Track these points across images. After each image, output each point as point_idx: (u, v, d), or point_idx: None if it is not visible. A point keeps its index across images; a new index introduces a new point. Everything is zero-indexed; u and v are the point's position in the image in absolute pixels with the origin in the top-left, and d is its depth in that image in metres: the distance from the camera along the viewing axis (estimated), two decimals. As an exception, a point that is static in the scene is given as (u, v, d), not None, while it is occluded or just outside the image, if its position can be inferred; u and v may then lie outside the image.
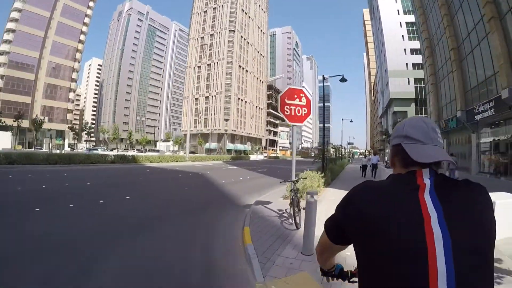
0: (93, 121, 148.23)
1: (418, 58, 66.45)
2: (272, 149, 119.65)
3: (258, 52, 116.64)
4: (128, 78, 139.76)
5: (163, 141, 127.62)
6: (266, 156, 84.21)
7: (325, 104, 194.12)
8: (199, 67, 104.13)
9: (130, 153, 44.09)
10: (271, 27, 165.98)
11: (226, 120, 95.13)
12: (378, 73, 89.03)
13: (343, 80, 18.81)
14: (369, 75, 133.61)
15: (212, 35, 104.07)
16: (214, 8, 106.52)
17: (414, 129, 1.04)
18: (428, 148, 0.97)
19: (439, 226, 0.89)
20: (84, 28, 77.58)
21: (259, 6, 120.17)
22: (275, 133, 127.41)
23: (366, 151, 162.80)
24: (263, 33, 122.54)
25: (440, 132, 1.01)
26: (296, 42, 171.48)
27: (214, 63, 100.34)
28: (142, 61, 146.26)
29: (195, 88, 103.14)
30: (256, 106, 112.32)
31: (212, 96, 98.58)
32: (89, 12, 79.13)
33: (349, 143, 74.42)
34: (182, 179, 17.05)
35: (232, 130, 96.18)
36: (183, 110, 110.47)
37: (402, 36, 69.29)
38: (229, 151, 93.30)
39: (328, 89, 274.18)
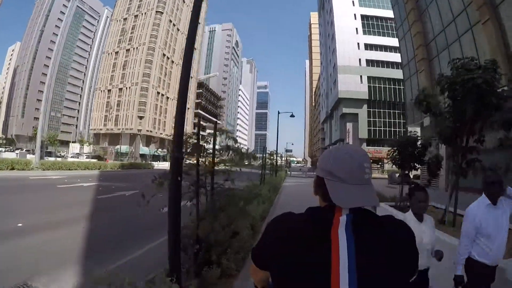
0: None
1: (374, 55, 51.65)
2: None
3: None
4: (45, 65, 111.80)
5: (80, 142, 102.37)
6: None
7: (263, 111, 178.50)
8: (116, 52, 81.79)
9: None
10: (211, 23, 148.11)
11: (141, 117, 73.69)
12: (323, 74, 73.73)
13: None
14: (310, 80, 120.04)
15: (136, 16, 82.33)
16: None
17: (338, 165, 0.92)
18: (351, 189, 0.88)
19: (348, 271, 0.81)
20: None
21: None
22: (203, 138, 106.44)
23: (303, 160, 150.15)
24: (199, 23, 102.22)
25: (370, 166, 0.92)
26: (237, 41, 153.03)
27: (134, 48, 78.30)
28: (64, 48, 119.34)
29: (109, 77, 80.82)
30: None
31: (126, 88, 76.33)
32: None
33: (287, 150, 56.57)
34: None
35: (148, 130, 74.84)
36: (94, 104, 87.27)
37: (356, 29, 55.64)
38: (142, 156, 72.22)
39: (267, 96, 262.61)
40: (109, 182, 18.42)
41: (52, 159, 36.44)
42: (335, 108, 59.86)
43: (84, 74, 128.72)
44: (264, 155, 18.74)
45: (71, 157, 54.33)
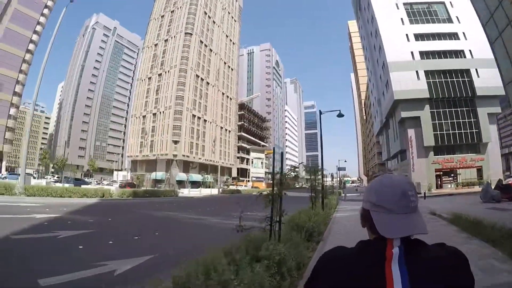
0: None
1: (427, 45, 42.76)
2: (246, 180, 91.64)
3: (225, 63, 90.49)
4: (88, 98, 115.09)
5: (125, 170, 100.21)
6: (223, 190, 55.40)
7: (312, 131, 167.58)
8: (149, 78, 78.30)
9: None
10: (249, 44, 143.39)
11: (175, 142, 68.50)
12: (372, 80, 64.86)
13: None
14: (358, 93, 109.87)
15: (166, 40, 79.04)
16: (172, 12, 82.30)
17: (382, 196, 0.91)
18: (397, 218, 0.87)
19: None
20: (35, 37, 63.66)
21: (229, 13, 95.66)
22: (248, 161, 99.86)
23: (358, 179, 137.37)
24: (233, 43, 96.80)
25: (415, 193, 0.90)
26: (277, 61, 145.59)
27: (165, 72, 74.26)
28: (105, 80, 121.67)
29: (143, 103, 77.40)
30: (222, 128, 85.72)
31: (160, 113, 71.87)
32: (42, 19, 64.91)
33: (339, 169, 47.63)
34: None
35: (184, 155, 69.43)
36: (129, 131, 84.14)
37: (401, 19, 46.49)
38: (180, 182, 66.79)
39: (315, 115, 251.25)
40: (81, 215, 13.87)
41: (60, 185, 31.05)
42: (391, 115, 50.62)
43: (128, 105, 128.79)
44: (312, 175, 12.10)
45: (106, 184, 50.17)
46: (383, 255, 0.86)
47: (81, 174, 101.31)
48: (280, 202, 5.31)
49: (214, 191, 49.42)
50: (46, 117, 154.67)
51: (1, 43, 57.53)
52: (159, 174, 64.35)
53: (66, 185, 32.89)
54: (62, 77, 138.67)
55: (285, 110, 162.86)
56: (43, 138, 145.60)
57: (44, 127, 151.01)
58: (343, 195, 34.13)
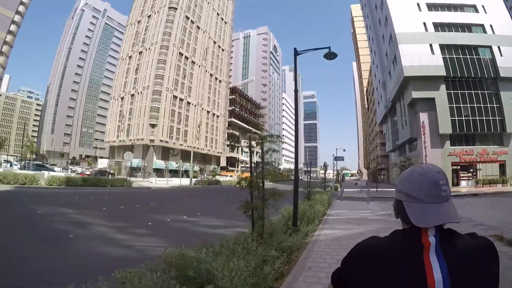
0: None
1: (442, 16, 33.68)
2: (235, 171, 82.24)
3: (215, 42, 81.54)
4: (74, 82, 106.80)
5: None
6: (198, 181, 43.52)
7: (311, 121, 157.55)
8: (129, 57, 69.57)
9: None
10: (246, 28, 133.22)
11: (153, 126, 59.73)
12: (376, 61, 56.07)
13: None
14: (360, 81, 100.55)
15: (149, 16, 70.13)
16: (158, -15, 73.24)
17: (414, 186, 0.90)
18: (430, 208, 0.87)
19: None
20: (17, 18, 57.85)
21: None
22: (238, 150, 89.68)
23: (358, 172, 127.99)
24: (225, 22, 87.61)
25: (446, 182, 0.89)
26: (275, 45, 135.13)
27: (146, 49, 65.61)
28: (93, 64, 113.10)
29: (122, 84, 68.48)
30: (209, 112, 76.42)
31: (138, 93, 63.07)
32: None
33: (336, 158, 37.08)
34: None
35: (163, 141, 60.72)
36: (108, 114, 75.11)
37: None
38: (158, 171, 58.40)
39: (315, 106, 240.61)
40: None
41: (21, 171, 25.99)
42: (398, 97, 41.82)
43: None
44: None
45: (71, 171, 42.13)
46: (420, 244, 0.85)
47: (66, 162, 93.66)
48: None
49: (186, 182, 40.41)
50: (37, 104, 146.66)
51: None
52: (135, 161, 55.64)
53: (24, 171, 26.46)
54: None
55: (283, 98, 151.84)
56: (34, 125, 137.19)
57: (35, 114, 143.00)
58: (340, 190, 25.15)
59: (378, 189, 30.35)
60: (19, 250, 5.85)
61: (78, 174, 37.43)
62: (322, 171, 33.56)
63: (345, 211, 13.32)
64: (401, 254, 0.85)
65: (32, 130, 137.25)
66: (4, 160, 58.49)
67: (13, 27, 57.70)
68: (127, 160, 34.11)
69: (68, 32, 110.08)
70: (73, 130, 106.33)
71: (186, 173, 56.29)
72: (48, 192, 18.47)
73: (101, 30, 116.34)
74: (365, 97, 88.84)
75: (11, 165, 50.43)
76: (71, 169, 55.30)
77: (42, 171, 26.53)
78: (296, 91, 8.84)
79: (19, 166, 48.02)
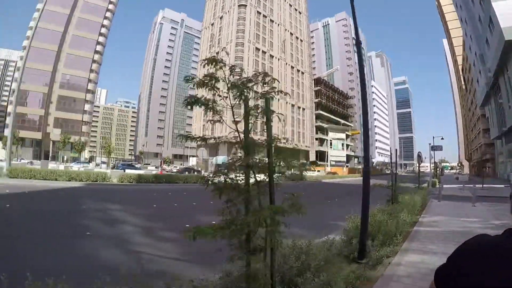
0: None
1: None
2: (325, 165, 77.38)
3: (291, 34, 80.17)
4: (162, 88, 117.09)
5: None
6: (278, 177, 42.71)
7: (405, 110, 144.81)
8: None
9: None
10: (323, 17, 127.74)
11: (236, 123, 61.18)
12: (468, 31, 47.86)
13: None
14: (453, 59, 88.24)
15: (221, 17, 72.22)
16: (225, -14, 74.92)
17: None
18: None
19: None
20: (101, 39, 68.27)
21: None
22: (325, 142, 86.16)
23: (458, 165, 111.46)
24: (299, 12, 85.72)
25: None
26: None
27: (222, 48, 68.00)
28: (179, 70, 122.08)
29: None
30: (294, 105, 76.08)
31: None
32: (105, 22, 69.23)
33: (433, 148, 31.47)
34: None
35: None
36: (193, 115, 79.58)
37: None
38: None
39: (407, 92, 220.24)
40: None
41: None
42: (501, 70, 34.56)
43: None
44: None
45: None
46: None
47: (160, 161, 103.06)
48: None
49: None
50: (133, 112, 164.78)
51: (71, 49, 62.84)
52: (220, 158, 57.63)
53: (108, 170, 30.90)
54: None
55: (372, 86, 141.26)
56: (131, 130, 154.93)
57: (132, 121, 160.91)
58: (438, 187, 21.09)
59: (484, 185, 24.78)
60: (22, 245, 5.85)
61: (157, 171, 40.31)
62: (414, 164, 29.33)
63: (445, 218, 10.04)
64: None
65: (130, 135, 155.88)
66: (101, 162, 67.64)
67: (99, 47, 67.64)
68: (209, 157, 35.17)
69: (152, 44, 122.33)
70: (165, 132, 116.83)
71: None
72: (113, 189, 19.32)
73: (182, 39, 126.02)
74: (461, 76, 77.18)
75: (103, 165, 56.67)
76: (155, 166, 60.53)
77: (118, 170, 28.93)
78: (359, 43, 6.50)
79: (106, 166, 55.55)
